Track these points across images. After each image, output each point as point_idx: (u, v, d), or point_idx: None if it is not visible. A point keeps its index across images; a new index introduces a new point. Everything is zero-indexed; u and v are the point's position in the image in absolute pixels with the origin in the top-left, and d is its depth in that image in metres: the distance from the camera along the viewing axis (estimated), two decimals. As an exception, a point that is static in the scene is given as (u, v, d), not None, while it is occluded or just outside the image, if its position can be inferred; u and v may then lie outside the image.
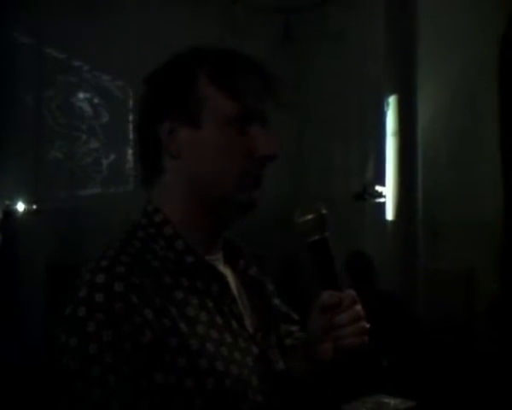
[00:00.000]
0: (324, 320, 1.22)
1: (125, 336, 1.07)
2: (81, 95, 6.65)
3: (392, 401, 2.99)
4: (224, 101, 1.22)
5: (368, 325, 1.22)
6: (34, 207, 6.15)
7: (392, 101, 6.00)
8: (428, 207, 5.89)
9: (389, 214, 6.09)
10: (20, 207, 6.10)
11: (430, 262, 5.84)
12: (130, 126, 6.69)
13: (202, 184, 1.23)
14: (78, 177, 6.62)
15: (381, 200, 6.31)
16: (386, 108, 6.09)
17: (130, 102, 6.76)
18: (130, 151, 6.75)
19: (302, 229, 1.24)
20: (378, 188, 6.39)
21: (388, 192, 6.12)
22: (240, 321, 1.25)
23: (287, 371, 1.31)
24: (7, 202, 6.06)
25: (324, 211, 1.25)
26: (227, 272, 1.30)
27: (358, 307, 1.22)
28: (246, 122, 1.23)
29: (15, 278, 5.66)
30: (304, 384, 1.32)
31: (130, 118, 6.73)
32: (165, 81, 1.26)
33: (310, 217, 1.24)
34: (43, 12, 6.08)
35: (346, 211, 6.16)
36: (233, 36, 6.09)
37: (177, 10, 6.29)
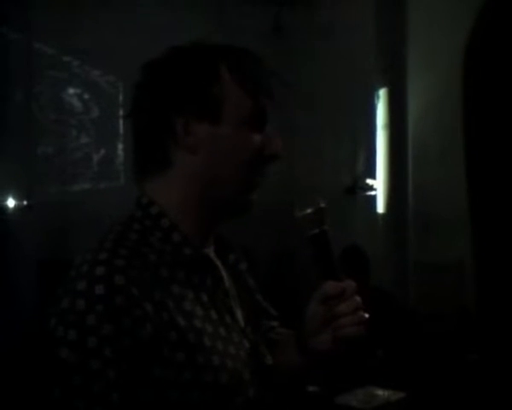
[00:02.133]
0: (324, 310, 1.25)
1: (125, 330, 1.06)
2: (71, 90, 6.62)
3: (382, 393, 3.01)
4: (245, 98, 1.22)
5: (366, 316, 1.25)
6: (25, 202, 6.13)
7: (382, 94, 6.02)
8: (419, 200, 5.91)
9: (380, 207, 6.11)
10: (11, 202, 6.08)
11: (421, 255, 5.86)
12: (121, 121, 6.66)
13: (214, 182, 1.22)
14: (69, 172, 6.60)
15: (372, 193, 6.34)
16: (376, 101, 6.11)
17: (121, 98, 6.74)
18: (120, 146, 6.73)
19: (302, 223, 1.27)
20: (369, 181, 6.41)
21: (379, 185, 6.14)
22: (232, 315, 1.26)
23: (274, 365, 1.32)
24: (-3, 198, 6.04)
25: (323, 204, 1.28)
26: (219, 266, 1.30)
27: (358, 298, 1.25)
28: (259, 121, 1.24)
29: (6, 273, 5.65)
30: (293, 378, 1.35)
31: (121, 113, 6.71)
32: (184, 73, 1.22)
33: (309, 211, 1.27)
34: (32, 7, 6.05)
35: (336, 204, 6.18)
36: (222, 28, 6.08)
37: (166, 4, 6.27)
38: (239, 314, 1.29)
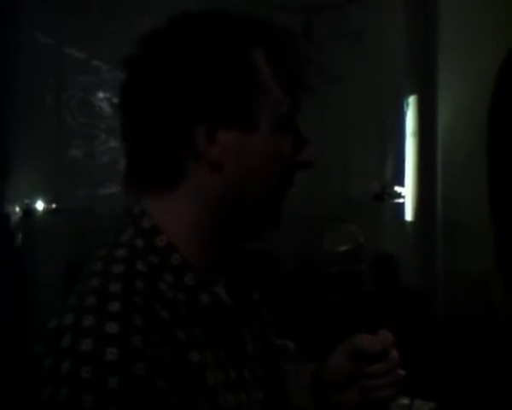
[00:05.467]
0: (353, 367, 1.03)
1: None
2: (100, 94, 6.67)
3: (412, 403, 2.97)
4: (283, 96, 0.94)
5: (403, 373, 1.04)
6: (53, 206, 6.18)
7: (412, 101, 5.98)
8: (448, 208, 5.85)
9: (408, 215, 6.07)
10: (40, 206, 6.13)
11: (449, 263, 5.80)
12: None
13: (240, 205, 0.94)
14: (98, 176, 6.65)
15: (400, 200, 6.29)
16: (405, 109, 6.07)
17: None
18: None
19: (334, 260, 1.02)
20: (397, 188, 6.36)
21: (407, 193, 6.10)
22: (251, 369, 1.01)
23: None
24: (26, 201, 6.10)
25: (362, 239, 1.03)
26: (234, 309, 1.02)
27: (395, 354, 1.03)
28: (293, 122, 0.98)
29: (34, 277, 5.69)
30: None
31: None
32: (207, 65, 0.91)
33: (346, 248, 1.02)
34: (63, 12, 6.12)
35: (364, 211, 6.14)
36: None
37: (197, 10, 6.30)
38: (254, 362, 1.03)
